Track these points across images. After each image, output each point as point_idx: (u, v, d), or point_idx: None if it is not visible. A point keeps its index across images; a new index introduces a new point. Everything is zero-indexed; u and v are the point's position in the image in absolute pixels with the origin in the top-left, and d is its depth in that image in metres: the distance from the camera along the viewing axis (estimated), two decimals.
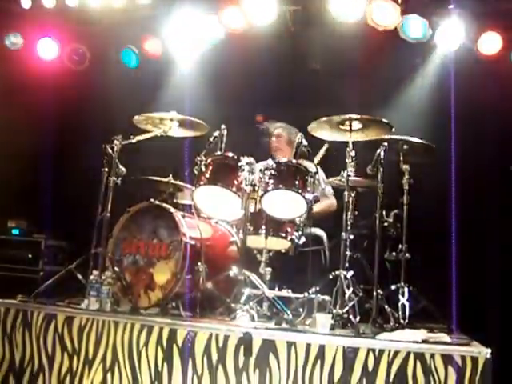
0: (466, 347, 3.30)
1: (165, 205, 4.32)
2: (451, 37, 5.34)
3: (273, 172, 4.12)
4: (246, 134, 5.33)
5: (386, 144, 4.26)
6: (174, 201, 4.63)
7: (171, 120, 4.65)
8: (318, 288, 4.03)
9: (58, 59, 6.35)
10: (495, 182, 5.31)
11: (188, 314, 4.02)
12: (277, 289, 4.26)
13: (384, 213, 4.50)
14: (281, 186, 4.08)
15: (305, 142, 4.25)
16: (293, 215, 4.15)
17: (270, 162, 4.23)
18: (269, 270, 4.22)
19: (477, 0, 5.31)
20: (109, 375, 3.60)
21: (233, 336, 3.42)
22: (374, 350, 3.25)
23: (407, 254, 4.35)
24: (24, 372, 3.77)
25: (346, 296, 3.90)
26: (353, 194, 4.39)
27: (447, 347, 3.28)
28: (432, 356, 3.19)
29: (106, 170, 4.42)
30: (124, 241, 4.33)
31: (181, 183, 4.63)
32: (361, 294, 4.02)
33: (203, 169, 4.20)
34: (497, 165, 5.30)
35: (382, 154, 4.21)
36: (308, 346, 3.32)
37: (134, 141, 4.53)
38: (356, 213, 4.38)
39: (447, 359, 3.17)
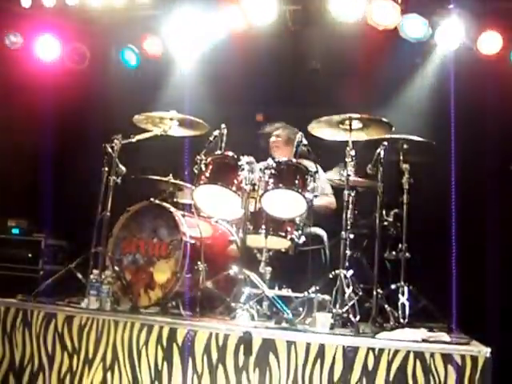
0: (466, 346, 3.30)
1: (165, 204, 4.33)
2: (451, 36, 5.34)
3: (273, 171, 4.12)
4: (245, 134, 5.33)
5: (386, 143, 4.26)
6: (174, 200, 4.63)
7: (171, 119, 4.65)
8: (317, 287, 4.03)
9: (57, 59, 6.34)
10: (495, 182, 5.30)
11: (188, 313, 4.03)
12: (277, 288, 4.27)
13: (384, 212, 4.51)
14: (281, 185, 4.08)
15: (305, 141, 4.25)
16: (293, 214, 4.15)
17: (269, 161, 4.23)
18: (269, 269, 4.22)
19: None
20: (109, 374, 3.60)
21: (233, 335, 3.42)
22: (373, 350, 3.25)
23: (407, 254, 4.35)
24: (24, 371, 3.77)
25: (346, 295, 3.90)
26: (353, 194, 4.39)
27: (447, 346, 3.28)
28: (432, 355, 3.19)
29: (106, 169, 4.43)
30: (124, 240, 4.34)
31: (181, 182, 4.63)
32: (361, 294, 4.02)
33: (203, 168, 4.20)
34: (497, 164, 5.30)
35: (382, 153, 4.22)
36: (308, 345, 3.33)
37: (134, 140, 4.54)
38: (356, 212, 4.38)
39: (447, 358, 3.18)
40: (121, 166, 4.45)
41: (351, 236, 4.16)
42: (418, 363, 3.20)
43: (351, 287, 3.96)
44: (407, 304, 4.10)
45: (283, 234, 4.18)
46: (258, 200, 4.12)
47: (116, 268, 4.21)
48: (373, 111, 4.38)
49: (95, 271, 4.11)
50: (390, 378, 3.21)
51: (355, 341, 3.34)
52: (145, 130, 4.70)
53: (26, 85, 6.07)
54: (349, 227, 4.15)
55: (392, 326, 3.90)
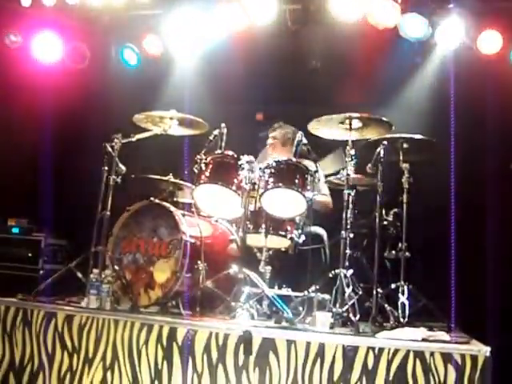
0: (466, 345, 3.30)
1: (165, 203, 4.33)
2: (451, 36, 5.34)
3: (273, 170, 4.11)
4: (245, 133, 5.33)
5: (385, 143, 4.26)
6: (174, 199, 4.64)
7: (171, 118, 4.66)
8: (317, 286, 4.04)
9: (57, 58, 6.34)
10: (495, 181, 5.30)
11: (188, 313, 4.03)
12: (276, 287, 4.27)
13: (384, 211, 4.50)
14: (281, 184, 4.07)
15: (305, 141, 4.25)
16: (293, 214, 4.15)
17: (269, 160, 4.23)
18: (268, 268, 4.21)
19: None
20: (109, 374, 3.60)
21: (233, 334, 3.42)
22: (373, 349, 3.25)
23: (407, 253, 4.34)
24: (24, 370, 3.78)
25: (346, 294, 3.91)
26: (353, 193, 4.38)
27: (447, 345, 3.28)
28: (432, 354, 3.19)
29: (106, 168, 4.43)
30: (124, 239, 4.34)
31: (181, 182, 4.63)
32: (360, 293, 4.03)
33: (203, 167, 4.20)
34: (497, 164, 5.30)
35: (382, 152, 4.22)
36: (308, 344, 3.33)
37: (133, 139, 4.54)
38: (356, 211, 4.37)
39: (447, 357, 3.18)
40: (121, 165, 4.45)
41: (351, 235, 4.16)
42: (417, 362, 3.20)
43: (351, 286, 3.97)
44: (407, 303, 4.09)
45: (283, 233, 4.18)
46: (257, 199, 4.11)
47: (116, 267, 4.22)
48: (373, 110, 4.38)
49: (95, 270, 4.11)
50: (390, 378, 3.21)
51: (355, 340, 3.34)
52: (145, 130, 4.70)
53: (26, 84, 6.07)
54: (349, 226, 4.15)
55: (392, 325, 3.90)
